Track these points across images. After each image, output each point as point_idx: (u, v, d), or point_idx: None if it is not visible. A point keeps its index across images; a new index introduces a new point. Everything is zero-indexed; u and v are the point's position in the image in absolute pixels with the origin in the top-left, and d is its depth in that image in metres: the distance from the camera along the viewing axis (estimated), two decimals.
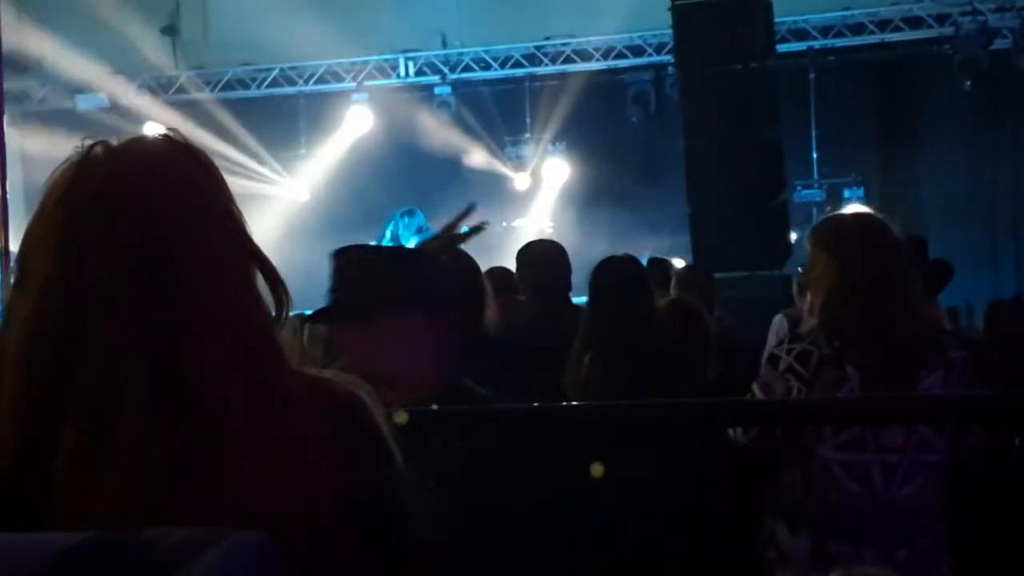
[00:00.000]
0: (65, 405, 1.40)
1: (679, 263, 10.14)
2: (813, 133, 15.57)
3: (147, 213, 1.46)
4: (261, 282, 1.54)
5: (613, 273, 4.95)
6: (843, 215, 3.93)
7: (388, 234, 13.15)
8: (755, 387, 3.70)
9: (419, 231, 12.83)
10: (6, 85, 16.82)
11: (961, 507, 3.63)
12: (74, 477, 1.38)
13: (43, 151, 15.20)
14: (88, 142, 1.52)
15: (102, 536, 1.21)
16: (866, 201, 14.89)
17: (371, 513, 1.52)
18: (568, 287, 6.07)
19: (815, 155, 15.66)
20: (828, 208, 14.45)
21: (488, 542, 2.94)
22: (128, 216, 1.46)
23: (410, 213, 13.26)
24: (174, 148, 1.55)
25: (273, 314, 1.54)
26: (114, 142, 1.52)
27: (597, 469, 3.10)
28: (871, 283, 3.62)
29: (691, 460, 4.06)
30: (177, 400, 1.41)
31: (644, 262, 8.68)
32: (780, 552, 3.64)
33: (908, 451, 3.53)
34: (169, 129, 1.57)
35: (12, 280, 1.51)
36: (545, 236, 13.74)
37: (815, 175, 15.69)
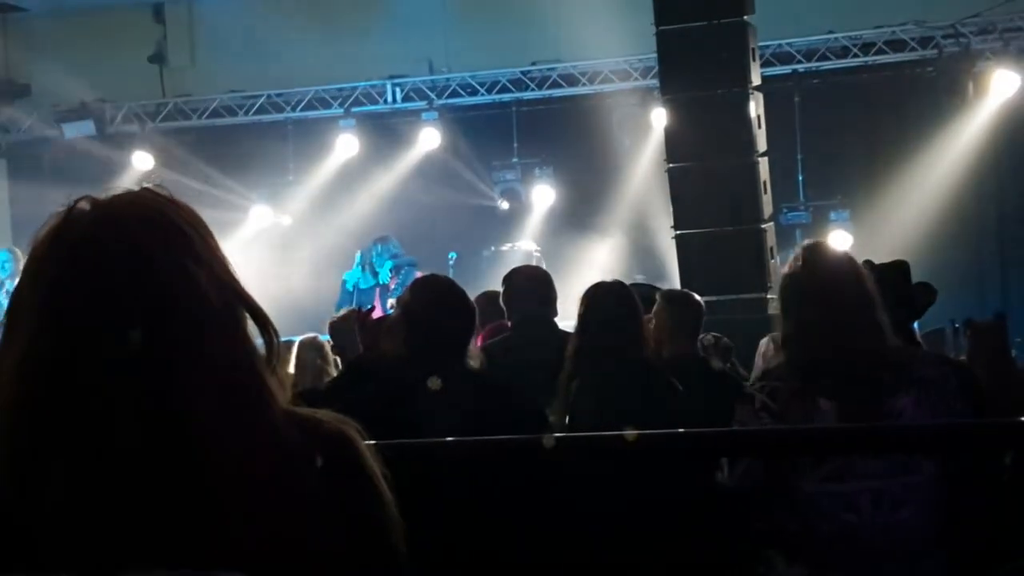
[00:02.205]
0: (56, 447, 1.42)
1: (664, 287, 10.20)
2: (799, 156, 15.63)
3: (135, 262, 1.49)
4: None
5: (603, 299, 4.98)
6: (805, 251, 3.92)
7: (360, 260, 13.20)
8: (734, 427, 3.74)
9: (393, 257, 12.86)
10: None
11: (961, 526, 3.63)
12: (63, 517, 1.40)
13: (30, 179, 15.22)
14: (73, 198, 1.54)
15: None
16: (851, 223, 14.95)
17: (360, 551, 1.54)
18: (554, 312, 6.11)
19: (800, 178, 15.72)
20: (814, 231, 14.53)
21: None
22: (116, 265, 1.48)
23: (383, 240, 13.30)
24: (158, 200, 1.58)
25: (263, 355, 1.57)
26: (99, 196, 1.55)
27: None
28: (825, 314, 3.65)
29: (685, 489, 4.07)
30: (168, 443, 1.43)
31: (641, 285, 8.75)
32: None
33: (891, 475, 3.55)
34: (154, 184, 1.60)
35: (3, 322, 1.52)
36: (533, 260, 13.82)
37: (801, 197, 15.75)
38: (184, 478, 1.43)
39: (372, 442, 1.64)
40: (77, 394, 1.43)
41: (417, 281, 4.64)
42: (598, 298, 5.02)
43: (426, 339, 4.15)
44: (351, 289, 13.39)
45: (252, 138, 16.94)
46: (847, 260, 3.82)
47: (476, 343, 6.24)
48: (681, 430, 3.81)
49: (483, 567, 3.46)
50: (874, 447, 3.42)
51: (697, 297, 6.55)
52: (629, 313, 4.89)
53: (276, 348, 1.58)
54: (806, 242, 3.95)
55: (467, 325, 4.29)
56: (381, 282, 13.02)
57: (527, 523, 3.53)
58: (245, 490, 1.45)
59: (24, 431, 1.44)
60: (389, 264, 12.83)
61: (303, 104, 16.88)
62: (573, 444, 3.56)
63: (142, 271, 1.49)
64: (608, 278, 5.66)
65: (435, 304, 4.26)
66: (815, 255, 3.82)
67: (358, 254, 13.74)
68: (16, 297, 1.51)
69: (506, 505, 3.34)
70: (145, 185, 1.60)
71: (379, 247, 13.19)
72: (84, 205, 1.54)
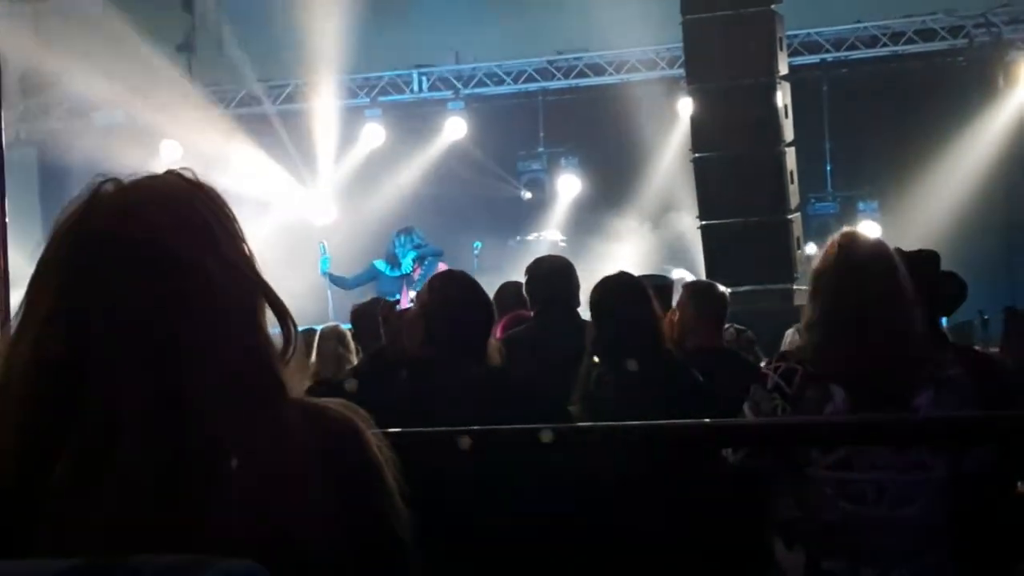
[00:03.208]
0: (66, 430, 1.43)
1: (688, 276, 10.18)
2: (827, 146, 15.57)
3: (155, 250, 1.48)
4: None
5: (612, 288, 4.98)
6: (841, 239, 3.92)
7: (385, 252, 13.23)
8: (745, 407, 3.73)
9: (416, 247, 12.86)
10: (26, 103, 16.94)
11: (965, 524, 3.62)
12: (69, 500, 1.40)
13: (60, 168, 15.30)
14: (99, 179, 1.54)
15: (91, 562, 1.24)
16: (880, 214, 14.88)
17: (364, 541, 1.54)
18: (576, 302, 6.09)
19: (828, 168, 15.66)
20: (842, 221, 14.45)
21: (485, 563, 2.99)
22: (135, 252, 1.48)
23: (406, 231, 13.31)
24: (185, 186, 1.57)
25: (278, 345, 1.56)
26: (124, 180, 1.54)
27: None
28: (854, 307, 3.64)
29: (692, 475, 4.07)
30: (175, 429, 1.44)
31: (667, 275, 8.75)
32: (779, 567, 3.65)
33: (900, 469, 3.54)
34: (183, 168, 1.58)
35: (19, 309, 1.52)
36: (557, 250, 13.80)
37: (829, 188, 15.69)
38: (189, 470, 1.43)
39: (378, 430, 1.63)
40: (85, 383, 1.44)
41: (435, 278, 4.66)
42: (606, 290, 5.03)
43: (444, 337, 4.16)
44: (375, 272, 13.40)
45: (279, 126, 16.96)
46: (883, 250, 3.80)
47: (496, 333, 6.25)
48: (686, 421, 3.79)
49: (494, 557, 3.47)
50: (878, 438, 3.42)
51: (721, 288, 6.52)
52: (638, 304, 4.88)
53: (293, 340, 1.58)
54: (844, 229, 3.93)
55: (485, 322, 4.30)
56: (404, 272, 13.04)
57: (536, 512, 3.54)
58: (250, 481, 1.45)
59: (34, 425, 1.44)
60: (412, 255, 12.85)
61: (330, 94, 16.88)
62: (579, 434, 3.55)
63: (161, 267, 1.48)
64: (634, 268, 5.64)
65: (452, 302, 4.28)
66: (851, 244, 3.81)
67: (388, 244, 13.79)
68: (36, 279, 1.51)
69: (517, 495, 3.35)
70: (172, 169, 1.59)
71: (402, 238, 13.20)
72: (109, 188, 1.53)
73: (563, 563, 3.61)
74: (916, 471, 3.54)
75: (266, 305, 1.57)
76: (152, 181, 1.56)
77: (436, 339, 4.21)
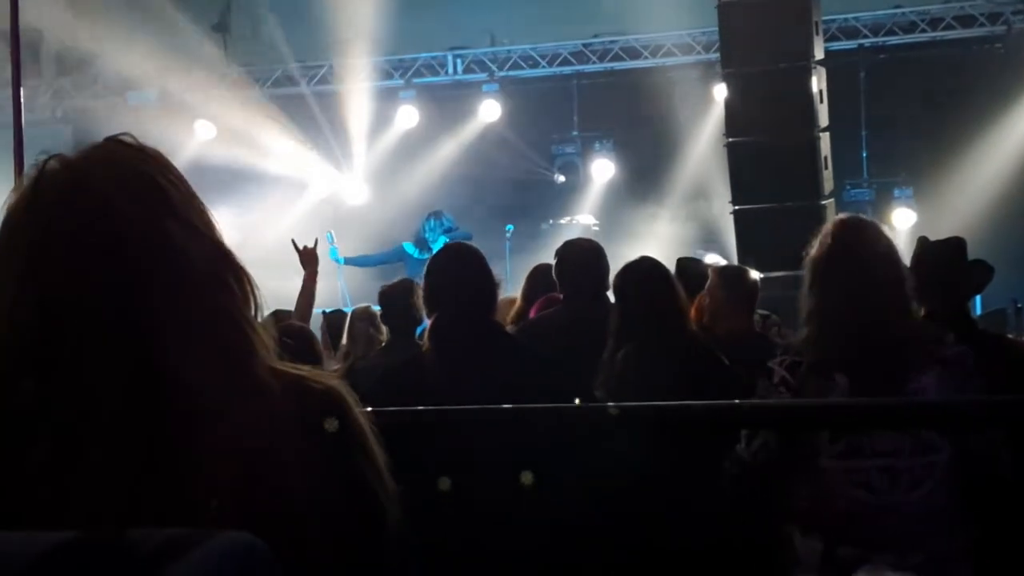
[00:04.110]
0: (42, 410, 1.42)
1: (720, 260, 10.13)
2: (863, 132, 15.45)
3: (110, 218, 1.46)
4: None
5: (635, 273, 4.99)
6: (834, 225, 3.88)
7: (415, 236, 13.24)
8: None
9: (447, 232, 12.85)
10: (61, 81, 16.97)
11: (979, 508, 3.60)
12: (49, 480, 1.39)
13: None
14: (42, 157, 1.51)
15: (86, 536, 1.23)
16: (915, 200, 14.77)
17: (349, 511, 1.52)
18: (605, 286, 6.07)
19: (864, 154, 15.54)
20: (877, 208, 14.36)
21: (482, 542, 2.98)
22: (92, 223, 1.46)
23: (436, 215, 13.30)
24: (130, 151, 1.54)
25: (250, 310, 1.54)
26: (68, 154, 1.52)
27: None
28: (851, 294, 3.63)
29: (705, 462, 4.05)
30: (152, 402, 1.42)
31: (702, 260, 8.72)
32: (796, 554, 3.64)
33: (908, 454, 3.53)
34: (122, 134, 1.56)
35: None
36: (590, 234, 13.76)
37: (864, 174, 15.58)
38: (165, 436, 1.42)
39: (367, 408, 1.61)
40: (59, 361, 1.42)
41: (439, 249, 4.75)
42: (629, 275, 5.04)
43: (447, 298, 4.21)
44: (402, 253, 13.40)
45: (314, 107, 16.97)
46: (879, 236, 3.77)
47: (530, 314, 6.24)
48: (690, 402, 3.77)
49: (492, 539, 3.46)
50: (883, 423, 3.41)
51: (752, 273, 6.49)
52: (661, 288, 4.88)
53: (259, 303, 1.55)
54: (838, 217, 3.93)
55: (484, 284, 4.32)
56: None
57: (540, 493, 3.53)
58: (226, 446, 1.43)
59: (7, 399, 1.43)
60: (442, 239, 12.85)
61: (365, 75, 16.88)
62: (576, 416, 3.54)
63: (119, 234, 1.46)
64: (666, 253, 5.63)
65: (450, 264, 4.33)
66: (846, 231, 3.79)
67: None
68: None
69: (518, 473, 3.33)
70: (112, 136, 1.56)
71: (432, 222, 13.19)
72: (54, 165, 1.51)
73: (568, 548, 3.60)
74: (924, 454, 3.53)
75: (235, 268, 1.54)
76: (95, 151, 1.54)
77: (434, 301, 4.29)
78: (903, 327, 3.64)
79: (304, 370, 1.59)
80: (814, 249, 3.81)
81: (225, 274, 1.53)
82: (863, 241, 3.74)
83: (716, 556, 4.04)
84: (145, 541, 1.23)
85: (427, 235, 13.04)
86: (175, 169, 1.56)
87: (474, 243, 10.32)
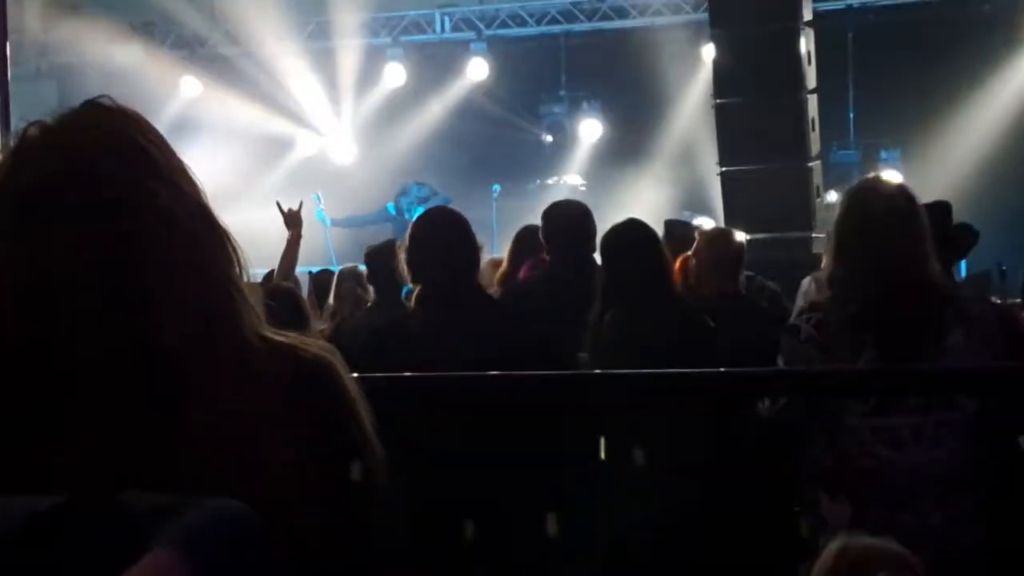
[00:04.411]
0: (34, 379, 1.41)
1: (709, 223, 10.13)
2: (851, 94, 15.43)
3: (96, 182, 1.45)
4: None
5: (621, 235, 5.00)
6: (862, 185, 3.92)
7: (392, 208, 13.28)
8: (779, 359, 3.72)
9: (422, 201, 12.90)
10: (47, 37, 16.79)
11: (992, 468, 3.61)
12: (40, 451, 1.40)
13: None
14: (22, 124, 1.50)
15: (77, 499, 1.23)
16: (902, 163, 14.77)
17: (337, 477, 1.53)
18: (592, 247, 6.08)
19: (852, 116, 15.53)
20: (863, 170, 14.36)
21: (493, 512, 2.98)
22: (78, 187, 1.45)
23: (404, 192, 13.35)
24: (110, 114, 1.53)
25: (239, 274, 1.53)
26: (48, 120, 1.50)
27: None
28: (882, 250, 3.63)
29: (723, 429, 4.06)
30: (142, 371, 1.42)
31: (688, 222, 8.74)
32: (822, 519, 3.62)
33: (934, 410, 3.53)
34: (100, 96, 1.54)
35: None
36: (577, 195, 13.75)
37: (852, 136, 15.57)
38: (155, 405, 1.42)
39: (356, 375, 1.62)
40: (52, 334, 1.42)
41: (422, 213, 4.79)
42: (615, 237, 5.05)
43: (426, 258, 4.24)
44: (387, 215, 13.42)
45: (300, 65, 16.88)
46: (904, 195, 3.78)
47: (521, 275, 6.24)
48: (721, 370, 3.78)
49: (493, 506, 3.47)
50: (916, 388, 3.41)
51: (738, 235, 6.50)
52: (647, 250, 4.90)
53: (244, 266, 1.54)
54: (867, 175, 3.92)
55: (465, 250, 4.33)
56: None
57: (539, 460, 3.53)
58: (220, 419, 1.43)
59: None
60: (418, 209, 12.93)
61: (351, 32, 16.78)
62: (605, 381, 3.55)
63: (106, 197, 1.45)
64: (654, 214, 5.63)
65: (432, 229, 4.35)
66: (872, 190, 3.81)
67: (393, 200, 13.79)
68: None
69: (518, 443, 3.34)
70: (95, 99, 1.54)
71: (403, 199, 13.27)
72: (34, 132, 1.49)
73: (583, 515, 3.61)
74: (947, 410, 3.54)
75: (219, 230, 1.54)
76: (75, 116, 1.52)
77: (416, 261, 4.32)
78: (931, 286, 3.65)
79: (293, 337, 1.58)
80: (839, 209, 3.82)
81: (211, 236, 1.52)
82: (885, 201, 3.75)
83: (740, 520, 4.05)
84: (137, 503, 1.24)
85: (405, 210, 13.10)
86: (156, 131, 1.54)
87: (460, 203, 10.33)
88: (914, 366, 3.49)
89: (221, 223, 1.54)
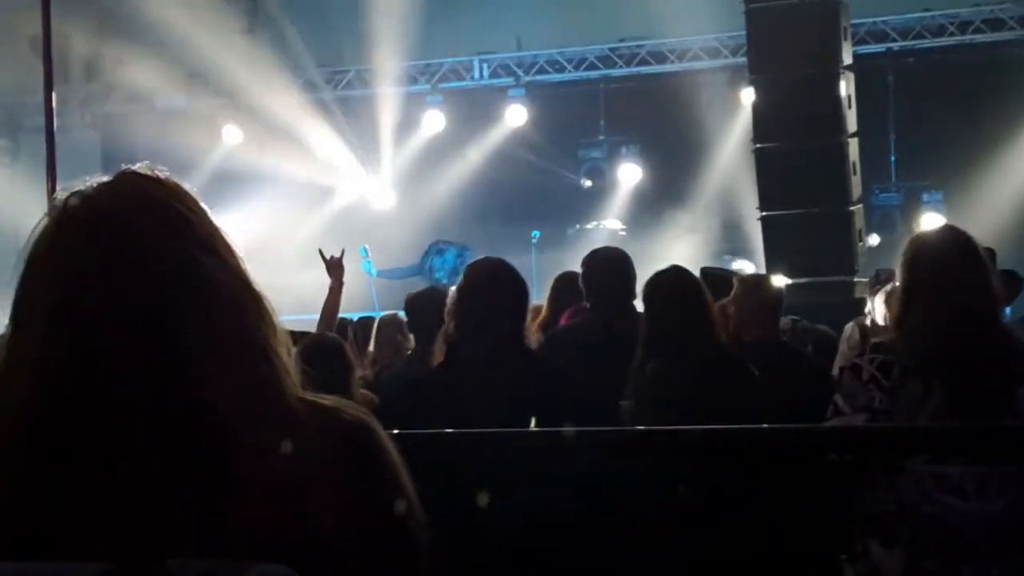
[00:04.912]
0: (81, 444, 1.40)
1: (749, 267, 10.10)
2: (891, 137, 15.38)
3: (140, 247, 1.45)
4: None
5: (665, 284, 4.95)
6: (929, 232, 3.91)
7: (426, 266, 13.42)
8: (837, 398, 3.65)
9: (456, 267, 13.05)
10: (89, 87, 17.00)
11: None
12: (83, 510, 1.38)
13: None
14: (63, 195, 1.50)
15: (125, 566, 1.22)
16: (944, 205, 14.68)
17: (381, 541, 1.51)
18: (632, 294, 6.04)
19: (893, 159, 15.48)
20: (905, 213, 14.27)
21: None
22: (122, 253, 1.45)
23: (439, 252, 13.45)
24: (148, 181, 1.53)
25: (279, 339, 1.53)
26: (87, 190, 1.50)
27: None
28: (952, 295, 3.61)
29: (775, 475, 4.01)
30: (185, 433, 1.41)
31: (727, 267, 8.69)
32: (873, 567, 3.56)
33: (1000, 461, 3.47)
34: (139, 165, 1.55)
35: (6, 330, 1.48)
36: (617, 239, 13.74)
37: (893, 178, 15.51)
38: (200, 467, 1.41)
39: (394, 431, 1.61)
40: (94, 395, 1.42)
41: (471, 263, 4.66)
42: (659, 285, 5.00)
43: (475, 316, 4.15)
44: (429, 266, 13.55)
45: (341, 113, 17.00)
46: (973, 244, 3.75)
47: (532, 322, 6.21)
48: (782, 426, 3.72)
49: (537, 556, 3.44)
50: (993, 445, 3.34)
51: (776, 280, 6.46)
52: (691, 299, 4.85)
53: (276, 330, 1.53)
54: (940, 223, 3.90)
55: (515, 301, 4.25)
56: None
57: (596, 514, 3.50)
58: (265, 482, 1.42)
59: (42, 432, 1.41)
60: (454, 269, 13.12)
61: (391, 80, 16.90)
62: (655, 437, 3.51)
63: (149, 263, 1.45)
64: (694, 259, 5.59)
65: (482, 281, 4.27)
66: (943, 237, 3.80)
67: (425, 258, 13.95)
68: (22, 298, 1.48)
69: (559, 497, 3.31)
70: (131, 168, 1.54)
71: (436, 260, 13.39)
72: (75, 202, 1.50)
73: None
74: (1015, 462, 3.48)
75: (258, 297, 1.53)
76: (114, 184, 1.52)
77: (465, 319, 4.20)
78: (1000, 337, 3.62)
79: (332, 400, 1.58)
80: (907, 252, 3.79)
81: (249, 302, 1.52)
82: (961, 248, 3.72)
83: (785, 569, 3.99)
84: (184, 571, 1.22)
85: (437, 274, 13.22)
86: (194, 198, 1.55)
87: (499, 249, 10.34)
88: (1003, 424, 3.43)
89: (258, 288, 1.55)
